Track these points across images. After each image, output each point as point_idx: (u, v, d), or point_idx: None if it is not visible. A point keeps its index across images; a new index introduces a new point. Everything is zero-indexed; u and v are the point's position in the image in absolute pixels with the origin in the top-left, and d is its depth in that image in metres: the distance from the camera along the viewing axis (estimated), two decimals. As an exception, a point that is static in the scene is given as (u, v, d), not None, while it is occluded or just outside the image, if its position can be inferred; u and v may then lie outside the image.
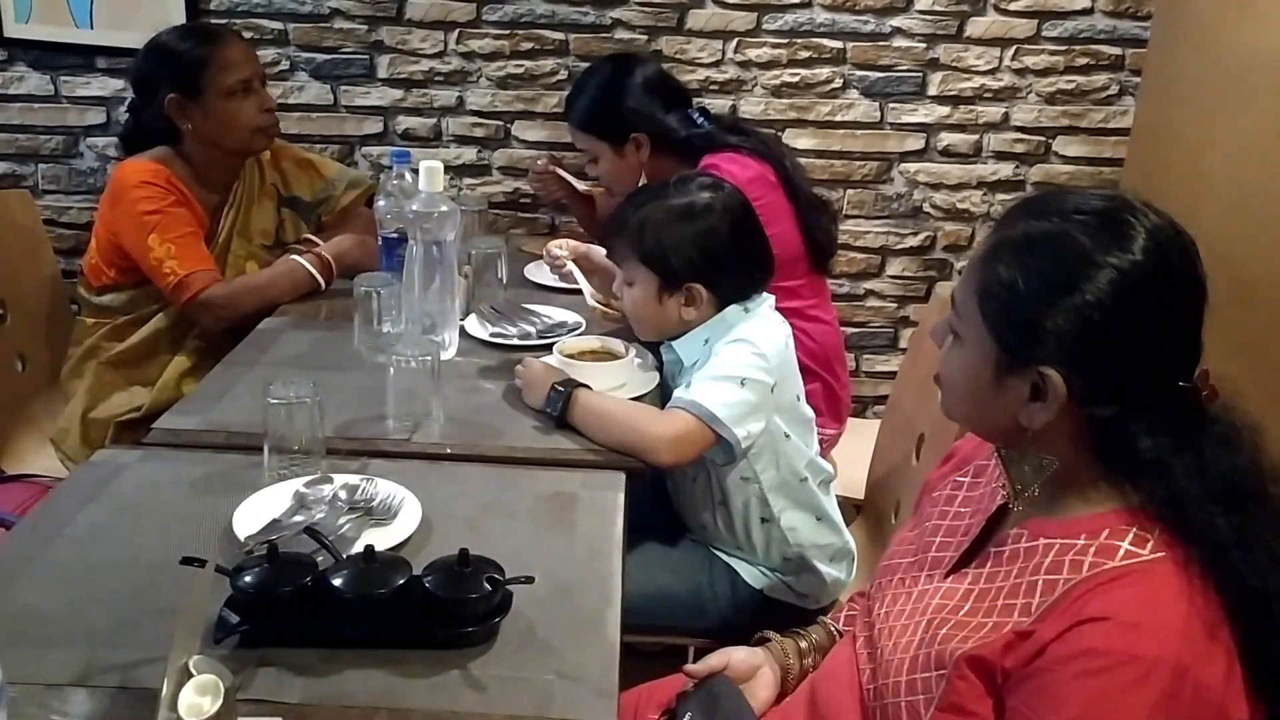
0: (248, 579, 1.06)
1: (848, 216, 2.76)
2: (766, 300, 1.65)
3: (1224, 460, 0.92)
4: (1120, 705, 0.85)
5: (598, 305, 1.88)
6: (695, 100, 2.34)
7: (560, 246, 1.96)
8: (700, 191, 1.61)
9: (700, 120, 2.23)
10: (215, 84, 2.06)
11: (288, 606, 1.06)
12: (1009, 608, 0.96)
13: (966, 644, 0.96)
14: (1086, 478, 0.98)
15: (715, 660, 1.25)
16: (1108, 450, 0.96)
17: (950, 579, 1.06)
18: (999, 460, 1.08)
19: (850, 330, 2.83)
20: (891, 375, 2.86)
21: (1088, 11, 2.63)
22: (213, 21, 2.58)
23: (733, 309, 1.61)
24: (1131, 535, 0.92)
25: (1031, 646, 0.91)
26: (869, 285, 2.86)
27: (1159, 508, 0.92)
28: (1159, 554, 0.91)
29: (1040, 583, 0.94)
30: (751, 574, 1.70)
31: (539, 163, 2.53)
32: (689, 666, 1.27)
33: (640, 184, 2.19)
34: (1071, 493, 0.99)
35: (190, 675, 0.85)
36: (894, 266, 2.85)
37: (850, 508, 2.01)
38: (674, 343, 1.66)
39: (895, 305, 2.87)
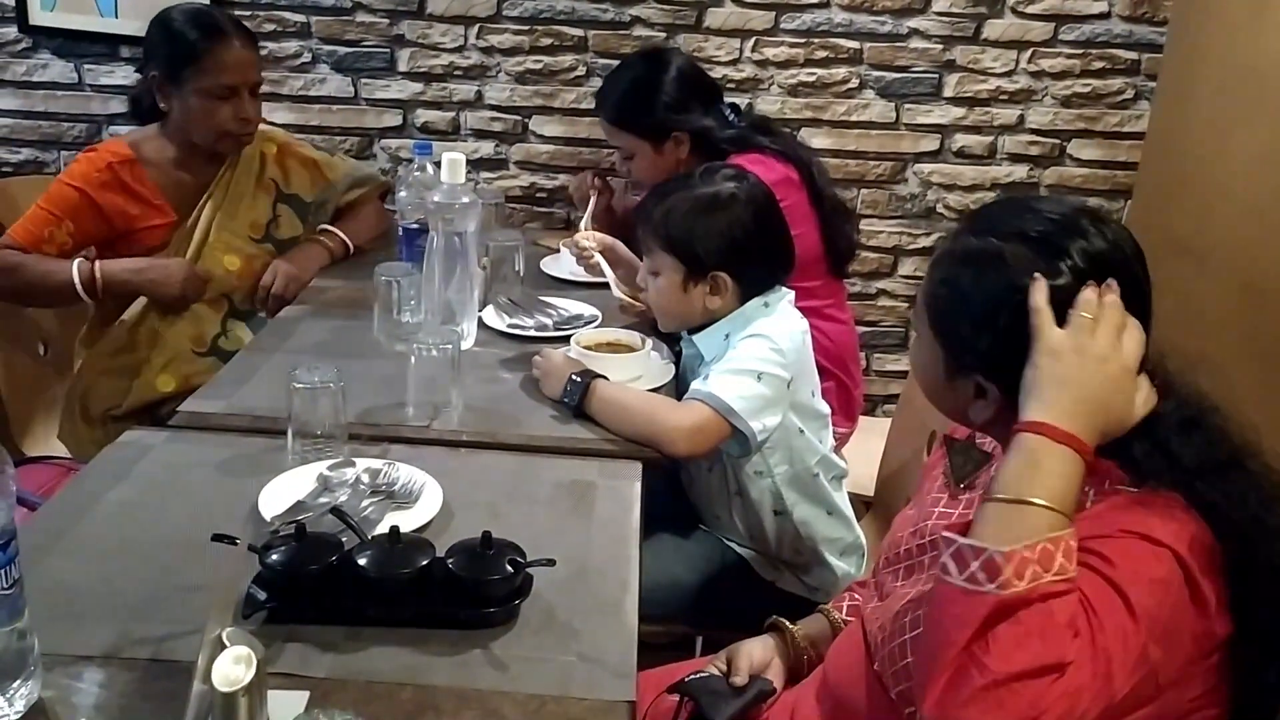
0: (276, 557, 1.08)
1: (861, 216, 2.78)
2: (786, 296, 1.67)
3: (1185, 443, 0.95)
4: (1138, 561, 0.88)
5: (623, 296, 1.91)
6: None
7: (588, 239, 2.00)
8: (725, 182, 1.63)
9: (733, 118, 2.24)
10: (197, 80, 1.99)
11: (315, 584, 1.08)
12: None
13: None
14: None
15: (742, 662, 1.29)
16: None
17: None
18: (944, 451, 1.14)
19: (862, 329, 2.84)
20: (902, 374, 2.87)
21: (1105, 16, 2.64)
22: (235, 11, 2.60)
23: (753, 304, 1.63)
24: (1129, 480, 0.96)
25: None
26: (881, 285, 2.88)
27: (1135, 476, 0.96)
28: (1160, 490, 0.94)
29: None
30: (763, 566, 1.72)
31: (594, 180, 2.46)
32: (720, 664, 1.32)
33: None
34: None
35: (224, 646, 0.87)
36: (906, 266, 2.86)
37: (860, 504, 2.02)
38: (695, 336, 1.68)
39: (907, 305, 2.89)
